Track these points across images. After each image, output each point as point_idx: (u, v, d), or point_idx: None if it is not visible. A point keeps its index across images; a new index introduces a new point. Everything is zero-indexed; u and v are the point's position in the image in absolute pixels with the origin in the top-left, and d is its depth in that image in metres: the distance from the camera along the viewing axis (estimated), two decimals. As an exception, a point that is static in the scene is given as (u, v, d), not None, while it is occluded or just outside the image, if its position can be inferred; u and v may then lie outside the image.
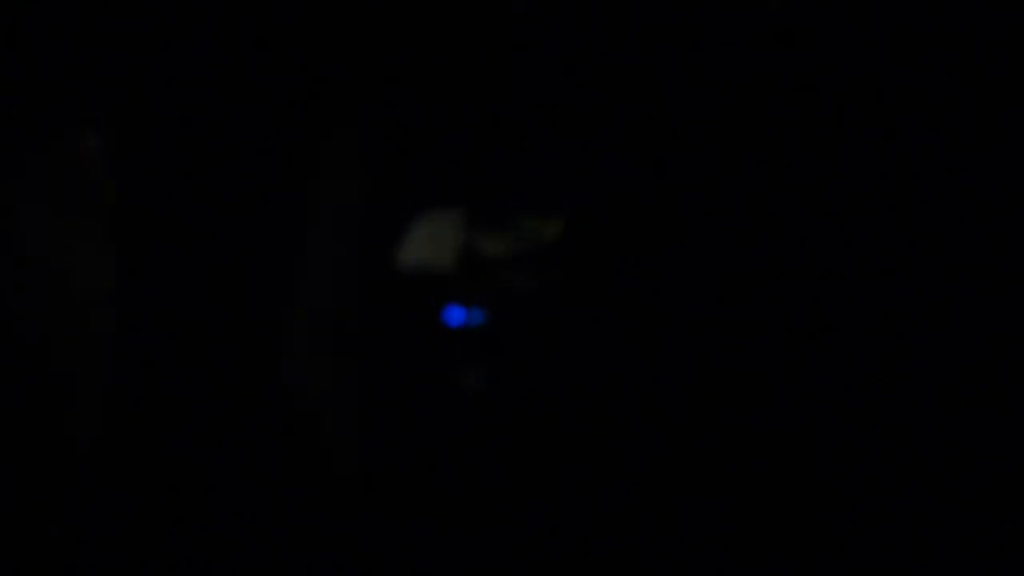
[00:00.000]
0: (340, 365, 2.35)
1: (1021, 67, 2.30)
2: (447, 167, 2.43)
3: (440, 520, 2.35)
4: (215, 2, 2.29)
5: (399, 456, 2.38)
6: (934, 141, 2.32)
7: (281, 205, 2.34)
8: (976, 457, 2.28)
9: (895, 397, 2.32)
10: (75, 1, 2.25)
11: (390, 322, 2.40)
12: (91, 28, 2.25)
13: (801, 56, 2.35)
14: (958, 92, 2.32)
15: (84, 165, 2.27)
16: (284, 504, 2.29)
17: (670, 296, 2.38)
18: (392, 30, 2.35)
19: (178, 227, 2.30)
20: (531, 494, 2.36)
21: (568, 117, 2.40)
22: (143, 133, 2.29)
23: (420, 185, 2.43)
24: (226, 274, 2.32)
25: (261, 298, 2.34)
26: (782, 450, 2.33)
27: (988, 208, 2.32)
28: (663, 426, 2.36)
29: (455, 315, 2.42)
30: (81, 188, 2.27)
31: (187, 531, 2.26)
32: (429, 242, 2.42)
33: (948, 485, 2.28)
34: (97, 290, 2.26)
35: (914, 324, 2.33)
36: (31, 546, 2.21)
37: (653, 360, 2.37)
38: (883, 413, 2.32)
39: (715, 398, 2.35)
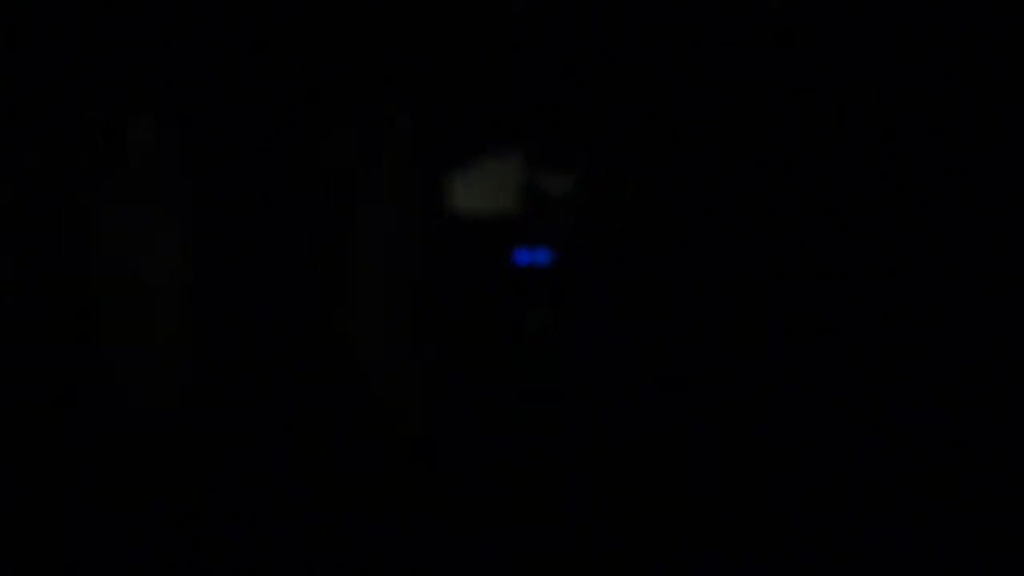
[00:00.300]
0: (403, 319, 2.37)
1: (1021, 67, 2.29)
2: (503, 109, 2.43)
3: (507, 468, 2.35)
4: None
5: (466, 402, 2.38)
6: (934, 141, 2.32)
7: (338, 166, 2.36)
8: (976, 457, 2.28)
9: (894, 397, 2.32)
10: (147, 2, 2.29)
11: (454, 268, 2.41)
12: (168, 29, 2.29)
13: (801, 56, 2.35)
14: (958, 92, 2.31)
15: (159, 164, 2.31)
16: (352, 461, 2.32)
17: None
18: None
19: (245, 213, 2.34)
20: (601, 445, 2.36)
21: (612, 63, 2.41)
22: (213, 127, 2.33)
23: (478, 129, 2.43)
24: (289, 246, 2.35)
25: (326, 265, 2.37)
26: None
27: (988, 208, 2.31)
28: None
29: (520, 256, 2.41)
30: (156, 186, 2.32)
31: (259, 499, 2.31)
32: (490, 185, 2.42)
33: (948, 485, 2.28)
34: (175, 282, 2.31)
35: (913, 324, 2.33)
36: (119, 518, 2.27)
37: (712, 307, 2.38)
38: (882, 413, 2.32)
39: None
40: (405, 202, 2.38)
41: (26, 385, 2.29)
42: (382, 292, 2.37)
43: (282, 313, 2.35)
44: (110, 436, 2.30)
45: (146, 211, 2.33)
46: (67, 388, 2.29)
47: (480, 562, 2.30)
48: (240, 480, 2.32)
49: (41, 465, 2.28)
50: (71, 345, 2.31)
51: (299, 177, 2.36)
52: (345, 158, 2.37)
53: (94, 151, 2.31)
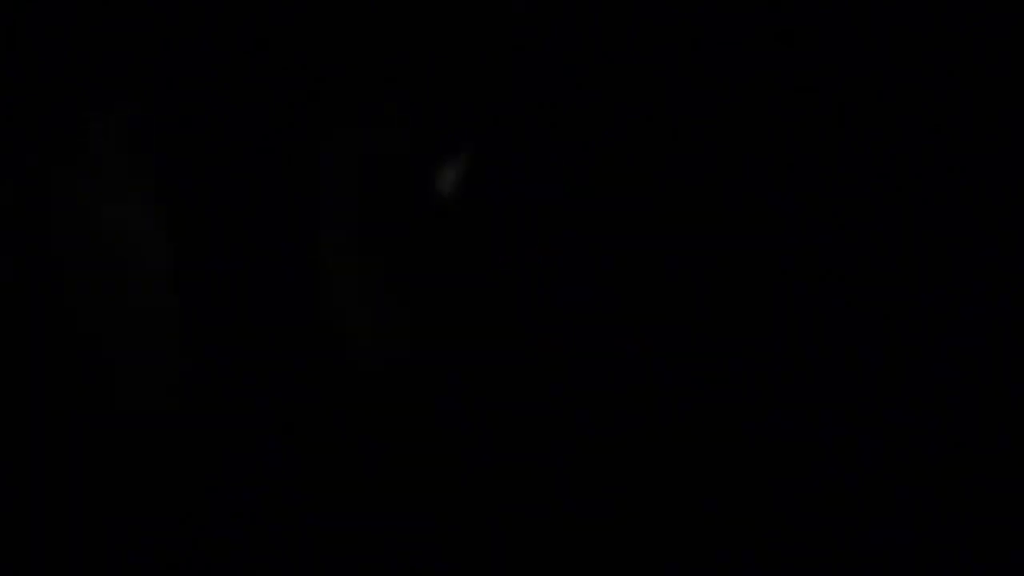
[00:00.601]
0: (380, 301, 2.34)
1: (1022, 67, 2.30)
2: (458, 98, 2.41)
3: (477, 446, 2.33)
4: None
5: (437, 384, 2.35)
6: (934, 142, 2.33)
7: (313, 153, 2.33)
8: (976, 457, 2.29)
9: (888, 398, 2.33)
10: None
11: (430, 254, 2.38)
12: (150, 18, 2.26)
13: (801, 56, 2.35)
14: (958, 92, 2.32)
15: (132, 140, 2.26)
16: (344, 456, 2.29)
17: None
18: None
19: (224, 192, 2.29)
20: (574, 425, 2.35)
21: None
22: (187, 101, 2.28)
23: (451, 119, 2.41)
24: (270, 230, 2.31)
25: (314, 260, 2.33)
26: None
27: (988, 209, 2.32)
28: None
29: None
30: (130, 164, 2.26)
31: (250, 497, 2.28)
32: (460, 169, 2.39)
33: (947, 485, 2.28)
34: (155, 267, 2.26)
35: (910, 326, 2.33)
36: (95, 523, 2.23)
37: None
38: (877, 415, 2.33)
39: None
40: (387, 195, 2.36)
41: None
42: (373, 285, 2.34)
43: (271, 308, 2.32)
44: (97, 438, 2.26)
45: (120, 188, 2.27)
46: (46, 390, 2.25)
47: (476, 559, 2.29)
48: (232, 478, 2.29)
49: (15, 473, 2.24)
50: (47, 342, 2.26)
51: (287, 170, 2.33)
52: (335, 153, 2.34)
53: (65, 137, 2.26)
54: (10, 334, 2.24)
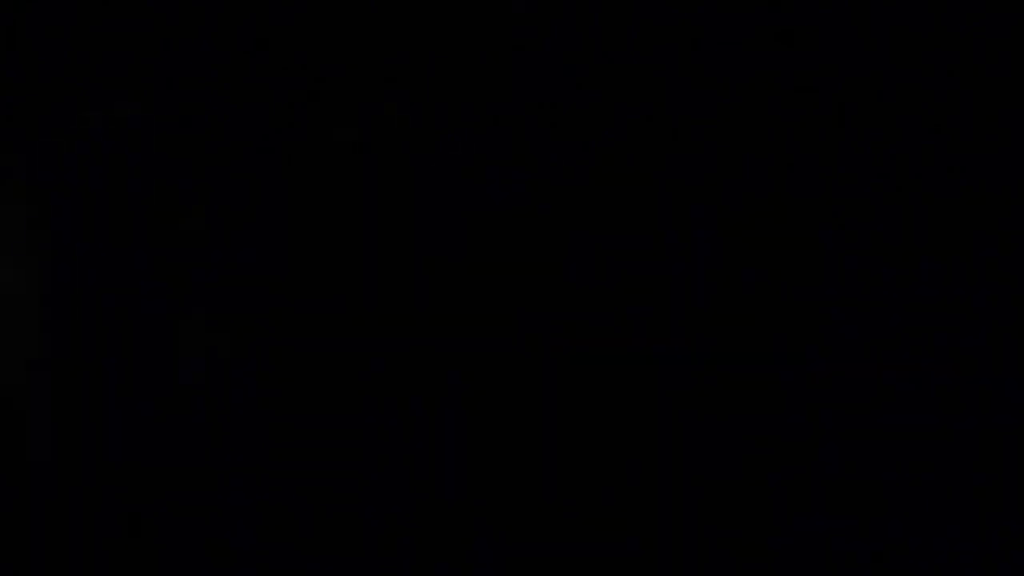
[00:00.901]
0: (32, 351, 2.33)
1: (1021, 67, 2.30)
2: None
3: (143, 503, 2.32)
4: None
5: (98, 439, 2.33)
6: (934, 141, 2.33)
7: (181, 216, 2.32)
8: (975, 457, 2.29)
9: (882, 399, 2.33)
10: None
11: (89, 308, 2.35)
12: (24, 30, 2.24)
13: (801, 56, 2.35)
14: (958, 92, 2.32)
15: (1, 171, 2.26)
16: None
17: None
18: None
19: (98, 222, 2.28)
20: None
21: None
22: (63, 128, 2.27)
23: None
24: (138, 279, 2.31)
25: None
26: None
27: (988, 208, 2.32)
28: None
29: None
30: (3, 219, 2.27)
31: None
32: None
33: (947, 485, 2.28)
34: (23, 292, 2.26)
35: (907, 326, 2.33)
36: None
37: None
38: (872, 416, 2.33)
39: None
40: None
41: None
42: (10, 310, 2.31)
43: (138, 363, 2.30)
44: None
45: None
46: None
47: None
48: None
49: None
50: None
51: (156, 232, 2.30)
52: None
53: None
54: None
